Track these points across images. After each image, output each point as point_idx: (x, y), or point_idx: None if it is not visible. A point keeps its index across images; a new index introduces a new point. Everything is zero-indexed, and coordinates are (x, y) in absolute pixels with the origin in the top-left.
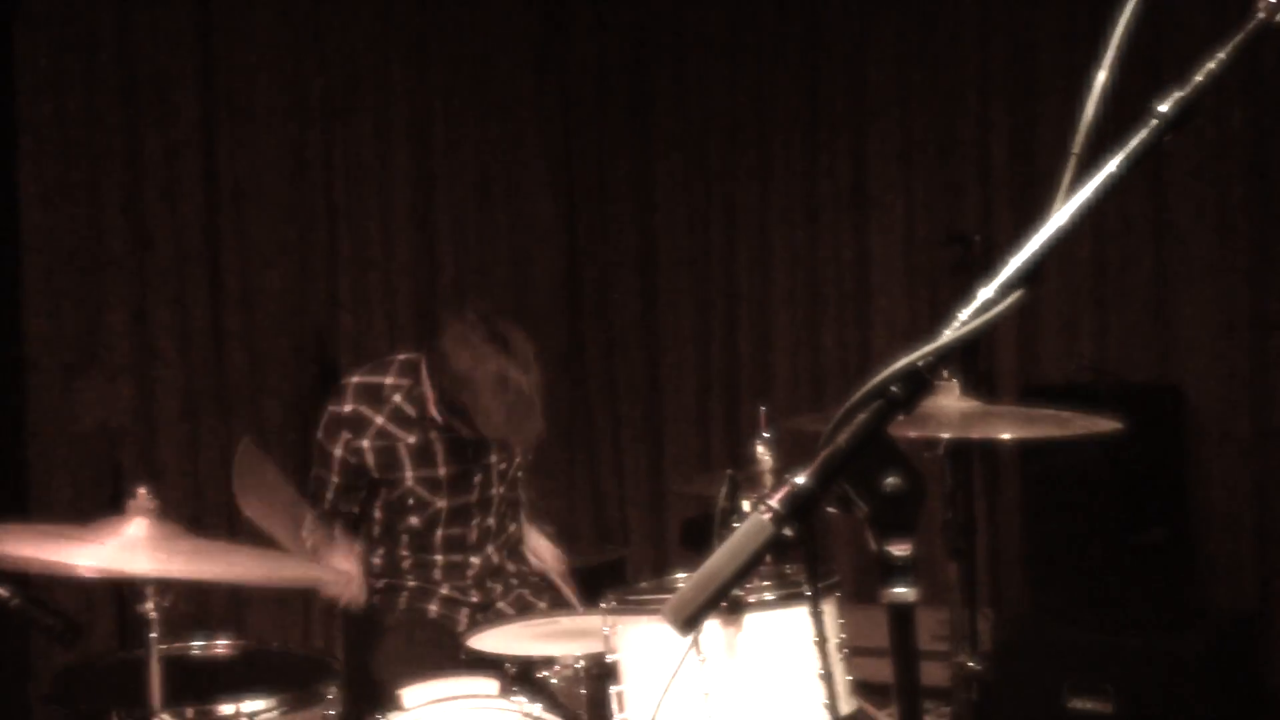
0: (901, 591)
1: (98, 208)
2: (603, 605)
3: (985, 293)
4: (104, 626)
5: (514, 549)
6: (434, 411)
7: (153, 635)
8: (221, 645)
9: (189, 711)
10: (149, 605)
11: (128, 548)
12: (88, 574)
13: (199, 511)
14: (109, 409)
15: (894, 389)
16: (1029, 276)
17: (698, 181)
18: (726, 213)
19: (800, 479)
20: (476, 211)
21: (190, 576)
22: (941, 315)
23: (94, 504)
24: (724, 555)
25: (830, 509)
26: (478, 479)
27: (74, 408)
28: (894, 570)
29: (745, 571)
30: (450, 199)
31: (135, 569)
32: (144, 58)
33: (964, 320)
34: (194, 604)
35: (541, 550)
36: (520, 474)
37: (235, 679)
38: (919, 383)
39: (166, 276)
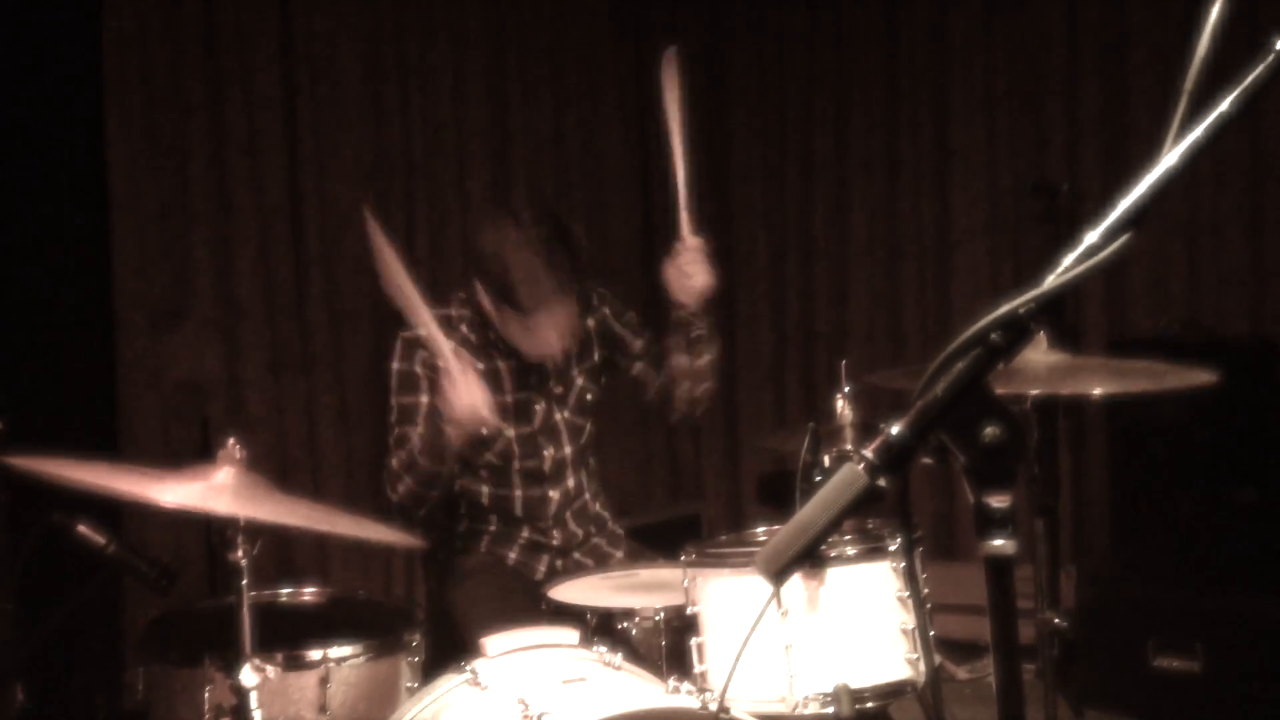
0: (1000, 544)
1: (183, 165)
2: (682, 558)
3: (1090, 237)
4: (194, 576)
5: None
6: (497, 326)
7: (243, 582)
8: (308, 593)
9: (278, 656)
10: (239, 553)
11: (216, 491)
12: (174, 507)
13: (283, 466)
14: (196, 363)
15: (994, 337)
16: (1136, 220)
17: (774, 133)
18: (803, 164)
19: (895, 429)
20: (552, 166)
21: (277, 521)
22: (1025, 268)
23: (182, 456)
24: (817, 506)
25: (926, 460)
26: (539, 406)
27: (162, 362)
28: (993, 522)
29: (838, 522)
30: (525, 154)
31: (224, 509)
32: (226, 17)
33: (1068, 266)
34: (280, 555)
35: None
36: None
37: (321, 626)
38: (1020, 331)
39: (250, 234)
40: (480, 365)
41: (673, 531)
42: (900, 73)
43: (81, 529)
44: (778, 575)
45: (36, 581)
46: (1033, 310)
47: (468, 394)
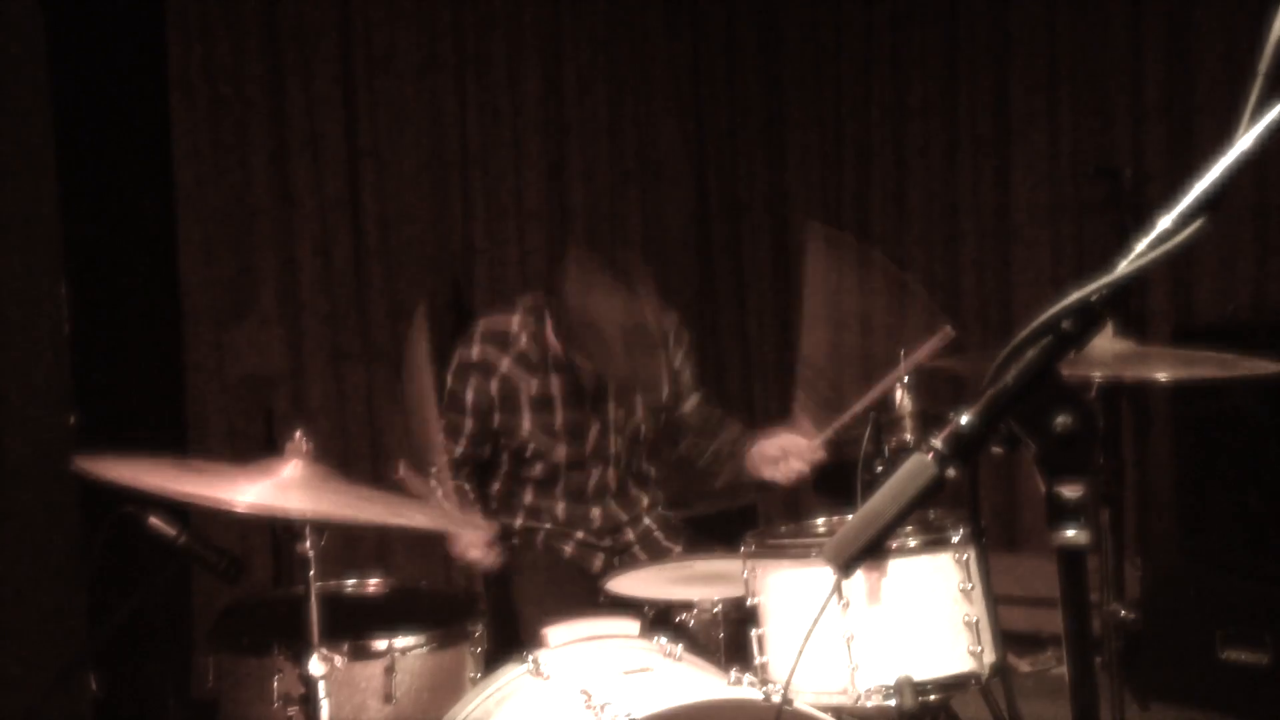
0: (1073, 534)
1: (245, 160)
2: (741, 550)
3: (1164, 222)
4: (260, 567)
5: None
6: (557, 348)
7: (311, 574)
8: (372, 584)
9: (344, 646)
10: (307, 545)
11: (285, 487)
12: (247, 511)
13: (346, 457)
14: (260, 356)
15: (1066, 324)
16: (1212, 204)
17: (830, 118)
18: (860, 149)
19: (965, 418)
20: (607, 156)
21: (345, 518)
22: (1088, 255)
23: (247, 447)
24: (885, 496)
25: (996, 449)
26: (594, 430)
27: (227, 355)
28: (1065, 512)
29: (907, 512)
30: (581, 143)
31: (293, 507)
32: (286, 12)
33: (1141, 252)
34: (343, 546)
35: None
36: (683, 415)
37: (386, 616)
38: (1092, 318)
39: (311, 227)
40: (533, 385)
41: (730, 523)
42: (959, 54)
43: (152, 521)
44: (846, 566)
45: (109, 573)
46: (1105, 297)
47: (463, 549)
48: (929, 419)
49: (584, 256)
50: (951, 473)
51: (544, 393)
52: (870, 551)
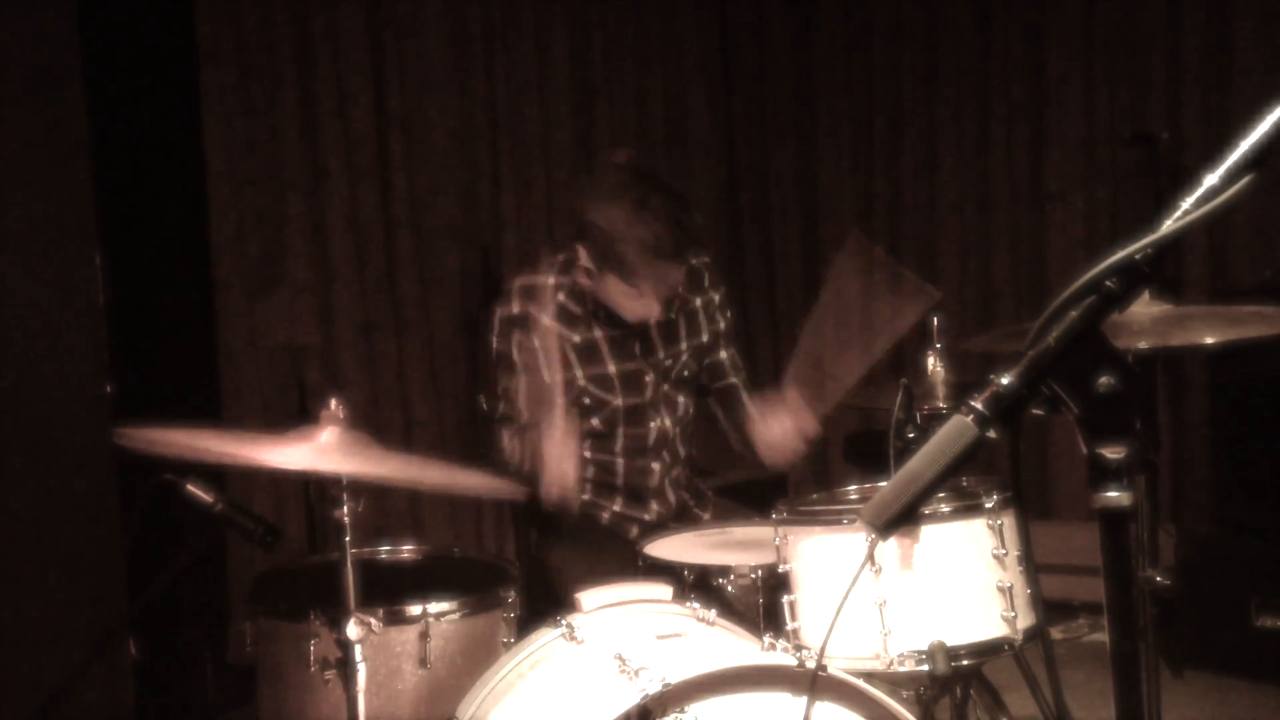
0: (1115, 495)
1: (276, 131)
2: (773, 516)
3: (1209, 180)
4: (294, 533)
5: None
6: (596, 294)
7: (347, 538)
8: (406, 550)
9: (380, 611)
10: (344, 509)
11: (323, 451)
12: (291, 470)
13: (377, 426)
14: (293, 326)
15: (1109, 283)
16: (1258, 161)
17: (860, 84)
18: (891, 116)
19: (1005, 379)
20: (635, 125)
21: (385, 478)
22: (1123, 221)
23: (280, 418)
24: (924, 458)
25: (1036, 411)
26: (649, 378)
27: (259, 326)
28: (1108, 474)
29: (947, 475)
30: (610, 115)
31: (333, 468)
32: None
33: (1186, 210)
34: (376, 513)
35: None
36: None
37: (420, 582)
38: (1136, 277)
39: (341, 198)
40: (577, 338)
41: (760, 490)
42: (993, 19)
43: (190, 488)
44: (885, 528)
45: (148, 541)
46: (1149, 256)
47: (559, 464)
48: (960, 387)
49: (600, 172)
50: (992, 434)
51: (590, 343)
52: (909, 513)
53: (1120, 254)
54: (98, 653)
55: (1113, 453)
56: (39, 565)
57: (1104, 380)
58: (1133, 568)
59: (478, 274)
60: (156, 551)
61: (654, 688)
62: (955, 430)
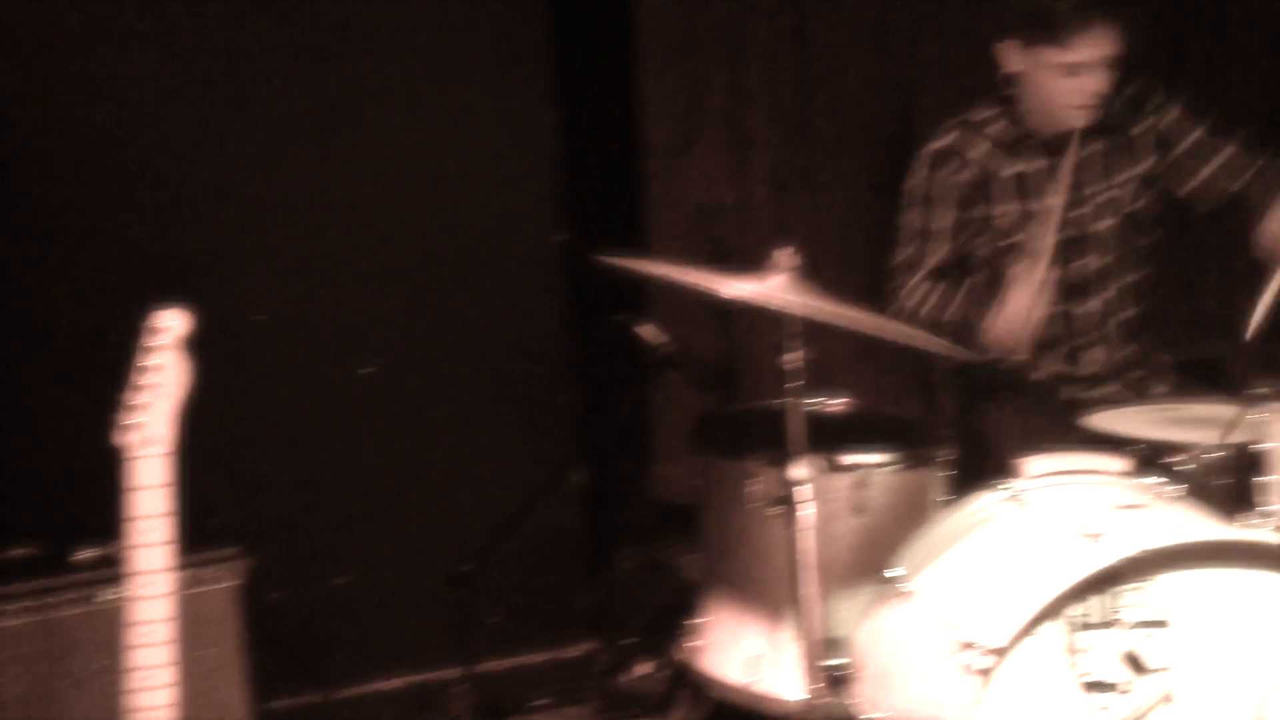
0: None
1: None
2: (1251, 393)
3: None
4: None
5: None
6: (1035, 123)
7: (797, 384)
8: (838, 403)
9: (820, 457)
10: (796, 355)
11: (780, 291)
12: (747, 299)
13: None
14: (708, 186)
15: None
16: None
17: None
18: None
19: None
20: None
21: (842, 321)
22: None
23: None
24: None
25: None
26: (1085, 210)
27: (681, 183)
28: None
29: None
30: None
31: (796, 309)
32: None
33: None
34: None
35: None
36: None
37: (853, 434)
38: None
39: (760, 56)
40: (1015, 169)
41: (1197, 370)
42: None
43: (643, 329)
44: None
45: (600, 379)
46: None
47: (1014, 318)
48: None
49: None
50: None
51: (1018, 175)
52: None
53: None
54: (552, 483)
55: None
56: (504, 400)
57: None
58: None
59: (893, 135)
60: (608, 389)
61: (1125, 552)
62: None
